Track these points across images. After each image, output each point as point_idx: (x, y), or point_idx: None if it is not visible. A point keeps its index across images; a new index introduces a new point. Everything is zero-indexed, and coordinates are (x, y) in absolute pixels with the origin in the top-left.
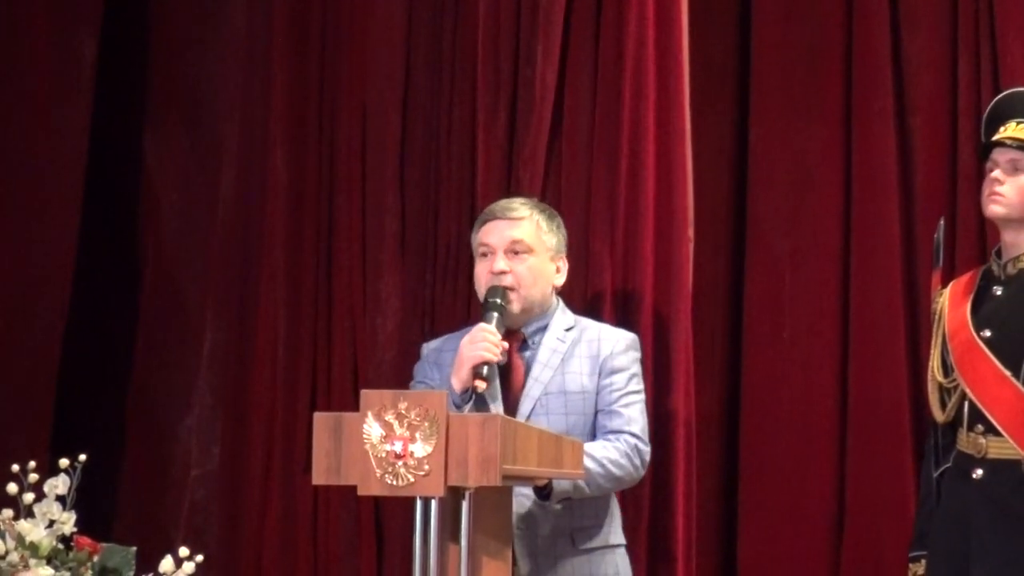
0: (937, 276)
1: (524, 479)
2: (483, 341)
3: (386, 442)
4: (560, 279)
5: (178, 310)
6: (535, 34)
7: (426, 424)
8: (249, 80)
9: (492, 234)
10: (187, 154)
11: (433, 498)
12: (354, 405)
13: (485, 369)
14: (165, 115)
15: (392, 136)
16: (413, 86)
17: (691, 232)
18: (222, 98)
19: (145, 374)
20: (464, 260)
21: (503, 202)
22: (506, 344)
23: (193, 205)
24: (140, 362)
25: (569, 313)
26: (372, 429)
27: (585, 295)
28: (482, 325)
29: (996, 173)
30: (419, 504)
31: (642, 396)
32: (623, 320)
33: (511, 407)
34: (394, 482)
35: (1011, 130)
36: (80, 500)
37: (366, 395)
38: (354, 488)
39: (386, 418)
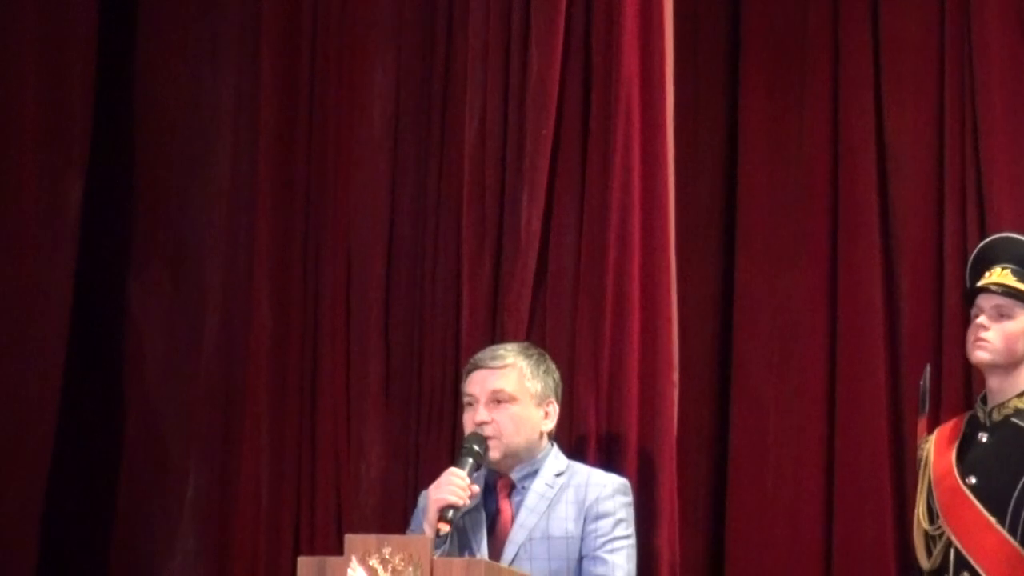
0: (923, 423)
1: None
2: (449, 484)
3: None
4: (549, 424)
5: (161, 455)
6: (520, 180)
7: (410, 569)
8: (233, 224)
9: (475, 384)
10: (171, 299)
11: None
12: (338, 550)
13: (450, 512)
14: (149, 260)
15: (376, 281)
16: (398, 231)
17: (676, 376)
18: (207, 243)
19: (128, 520)
20: (448, 406)
21: (489, 350)
22: (476, 488)
23: (177, 350)
24: (123, 508)
25: (562, 458)
26: (356, 573)
27: (570, 439)
28: (451, 469)
29: (981, 319)
30: None
31: (630, 542)
32: (607, 464)
33: (496, 553)
34: None
35: (996, 276)
36: None
37: (350, 540)
38: None
39: (370, 562)
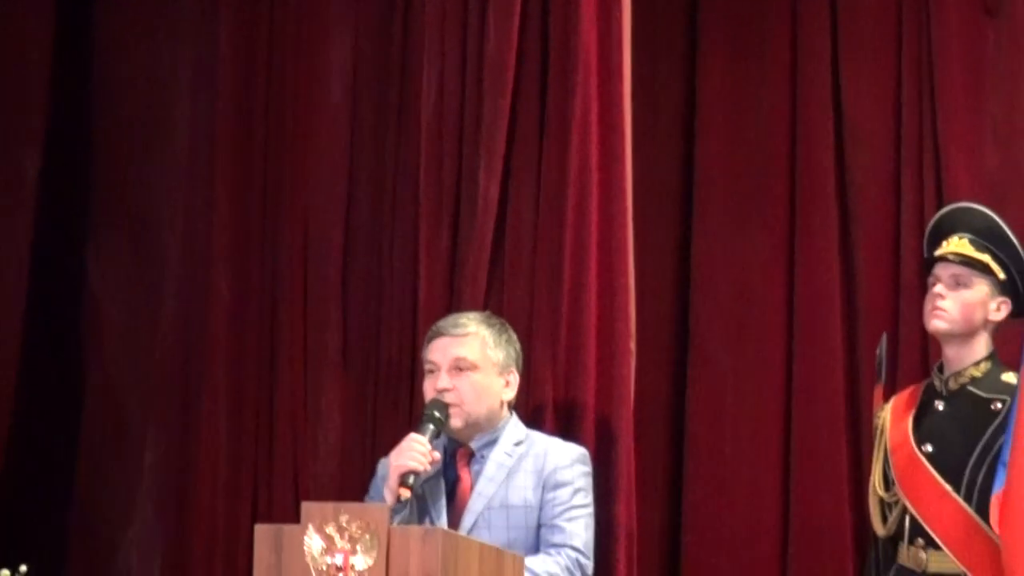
0: (879, 391)
1: None
2: (411, 450)
3: (327, 555)
4: (509, 393)
5: (120, 423)
6: (478, 150)
7: (367, 537)
8: (192, 195)
9: (437, 351)
10: (129, 268)
11: None
12: (295, 518)
13: (411, 478)
14: (108, 230)
15: (334, 251)
16: (355, 201)
17: (633, 345)
18: (165, 213)
19: (87, 487)
20: (406, 375)
21: (451, 318)
22: (437, 454)
23: (135, 319)
24: (82, 475)
25: (521, 427)
26: (313, 542)
27: (527, 407)
28: (412, 435)
29: (938, 288)
30: None
31: (588, 511)
32: (565, 433)
33: (455, 521)
34: None
35: (953, 245)
36: None
37: (307, 508)
38: None
39: (327, 531)
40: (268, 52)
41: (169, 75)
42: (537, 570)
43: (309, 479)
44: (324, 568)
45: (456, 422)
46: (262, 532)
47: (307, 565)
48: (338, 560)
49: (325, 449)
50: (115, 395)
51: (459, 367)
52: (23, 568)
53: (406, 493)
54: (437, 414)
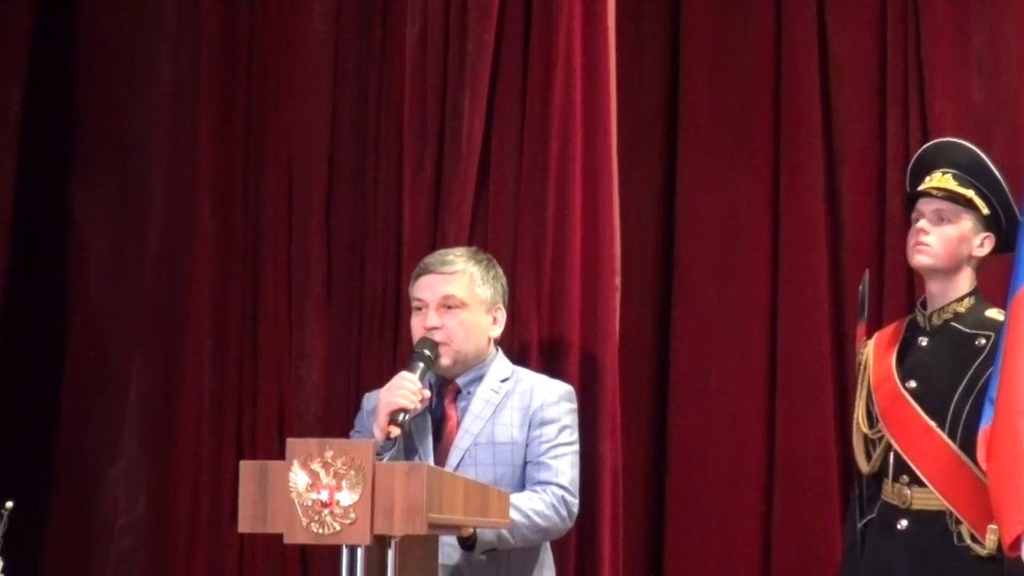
0: (862, 327)
1: (450, 528)
2: (400, 388)
3: (312, 491)
4: (497, 330)
5: (105, 359)
6: (462, 85)
7: (352, 473)
8: (176, 130)
9: (425, 289)
10: (114, 204)
11: (359, 546)
12: (280, 454)
13: (401, 416)
14: (92, 165)
15: (318, 186)
16: (339, 137)
17: (618, 281)
18: (149, 148)
19: (72, 422)
20: (390, 310)
21: (438, 254)
22: (427, 392)
23: (120, 253)
24: (67, 410)
25: (507, 363)
26: (298, 478)
27: (512, 344)
28: (403, 373)
29: (922, 223)
30: (345, 552)
31: (574, 448)
32: (550, 369)
33: (441, 458)
34: (320, 530)
35: (936, 180)
36: (7, 548)
37: (292, 444)
38: (280, 536)
39: (312, 467)
40: None
41: (153, 8)
42: (523, 507)
43: (294, 415)
44: (309, 504)
45: (445, 360)
46: (247, 468)
47: (292, 501)
48: (323, 496)
49: (309, 384)
50: (100, 331)
51: (447, 305)
52: (8, 504)
53: (396, 431)
54: (427, 352)
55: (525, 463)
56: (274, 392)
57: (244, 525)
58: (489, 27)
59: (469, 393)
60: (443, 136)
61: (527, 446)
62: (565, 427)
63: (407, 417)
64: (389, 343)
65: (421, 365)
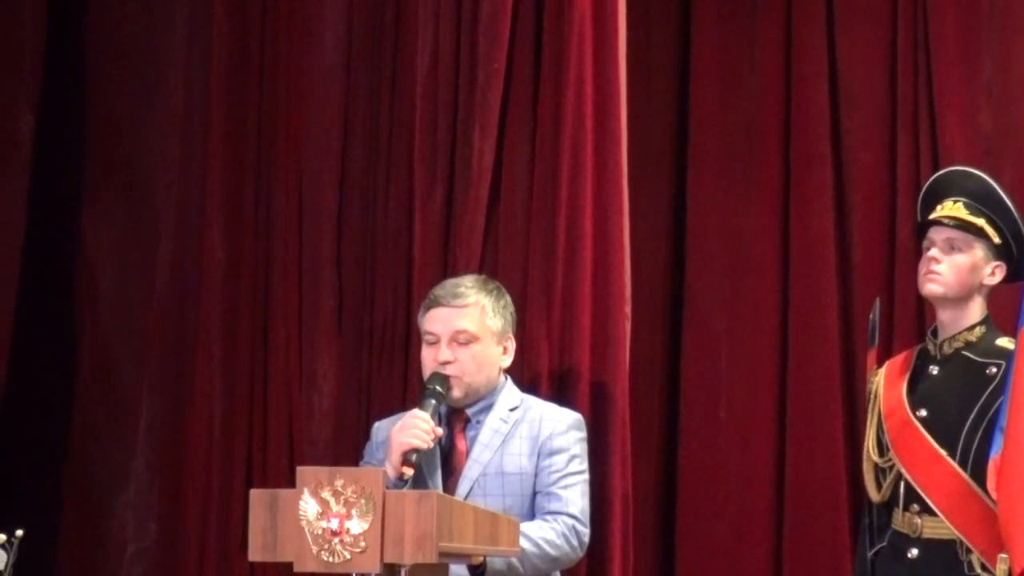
0: (872, 355)
1: (460, 556)
2: (413, 428)
3: (322, 519)
4: (507, 360)
5: (114, 385)
6: (472, 112)
7: (362, 501)
8: (186, 156)
9: (437, 322)
10: (124, 230)
11: (370, 575)
12: (290, 482)
13: (414, 456)
14: (102, 191)
15: (328, 213)
16: (350, 163)
17: (628, 310)
18: (159, 174)
19: (81, 449)
20: (400, 337)
21: (449, 286)
22: (440, 431)
23: (130, 280)
24: (76, 437)
25: (516, 391)
26: (308, 506)
27: (522, 372)
28: (415, 412)
29: (933, 252)
30: None
31: (584, 477)
32: (560, 397)
33: (450, 488)
34: (330, 559)
35: (948, 209)
36: None
37: (302, 472)
38: (290, 565)
39: (322, 495)
40: (262, 9)
41: (164, 30)
42: (534, 536)
43: (304, 443)
44: (320, 532)
45: (456, 392)
46: (257, 496)
47: (302, 529)
48: (333, 524)
49: (320, 412)
50: (110, 358)
51: (459, 340)
52: (19, 533)
53: (409, 471)
54: (439, 388)
55: (535, 493)
56: (284, 419)
57: (254, 554)
58: (500, 55)
59: (478, 423)
60: (453, 163)
61: (536, 476)
62: (575, 456)
63: (420, 455)
64: (399, 370)
65: (433, 402)
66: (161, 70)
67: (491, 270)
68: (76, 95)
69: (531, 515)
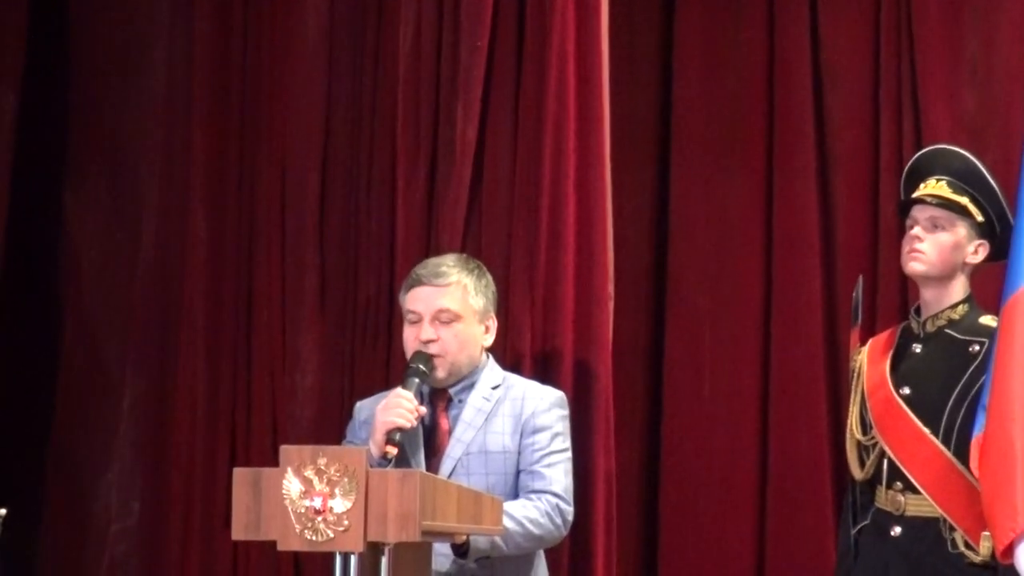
0: (856, 334)
1: (443, 535)
2: (397, 407)
3: (305, 498)
4: (489, 339)
5: (98, 365)
6: (455, 93)
7: (345, 480)
8: (169, 136)
9: (419, 301)
10: (107, 209)
11: (352, 554)
12: (273, 461)
13: (397, 435)
14: (86, 171)
15: (312, 193)
16: (333, 144)
17: (611, 289)
18: (143, 154)
19: (65, 429)
20: (383, 317)
21: (431, 264)
22: (423, 410)
23: (113, 260)
24: (60, 417)
25: (498, 370)
26: (292, 485)
27: (505, 352)
28: (399, 391)
29: (916, 230)
30: (338, 560)
31: (567, 455)
32: (543, 377)
33: (433, 467)
34: (313, 537)
35: (931, 187)
36: (1, 554)
37: (285, 451)
38: (274, 543)
39: (305, 474)
40: None
41: (146, 15)
42: (517, 515)
43: (287, 421)
44: (303, 511)
45: (440, 373)
46: (241, 475)
47: (286, 508)
48: (316, 503)
49: (303, 392)
50: (93, 337)
51: (442, 319)
52: (2, 511)
53: (393, 450)
54: (422, 367)
55: (518, 472)
56: (268, 399)
57: (238, 532)
58: (482, 35)
59: (460, 401)
60: (436, 144)
61: (520, 454)
62: (557, 434)
63: (403, 434)
64: (382, 350)
65: (416, 381)
66: (144, 49)
67: (474, 249)
68: (59, 75)
69: (514, 493)
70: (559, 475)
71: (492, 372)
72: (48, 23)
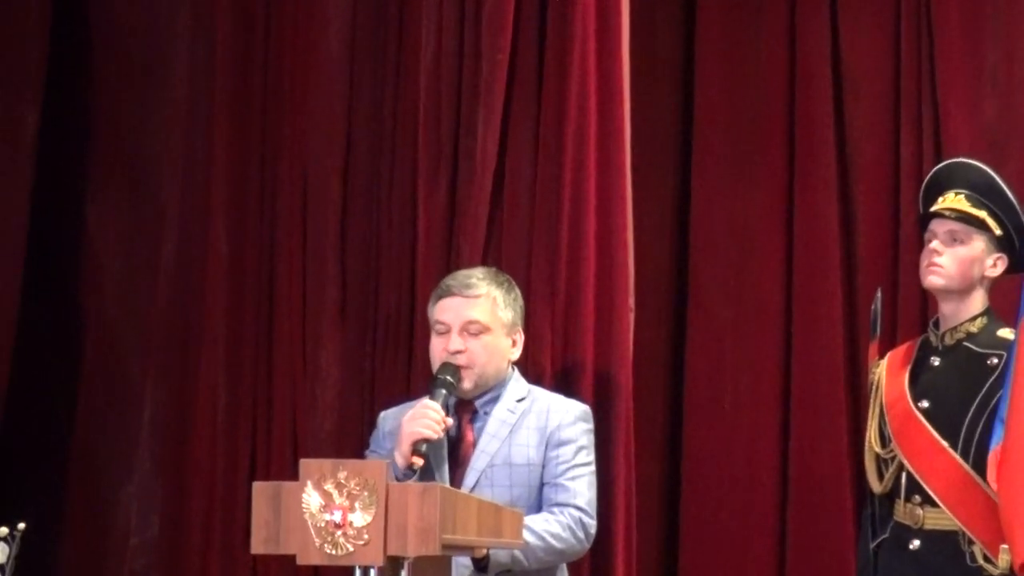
0: (874, 347)
1: (463, 548)
2: (424, 418)
3: (325, 511)
4: (516, 352)
5: (119, 377)
6: (476, 103)
7: (365, 493)
8: (191, 147)
9: (448, 311)
10: (129, 221)
11: (372, 567)
12: (293, 474)
13: (424, 446)
14: (107, 182)
15: (333, 204)
16: (354, 155)
17: (632, 301)
18: (164, 165)
19: (85, 441)
20: (404, 329)
21: (461, 276)
22: (450, 421)
23: (134, 271)
24: (81, 429)
25: (523, 383)
26: (311, 498)
27: (526, 364)
28: (426, 402)
29: (934, 244)
30: (358, 573)
31: (591, 468)
32: (564, 389)
33: (458, 479)
34: (333, 551)
35: (949, 201)
36: (20, 568)
37: (305, 464)
38: (293, 557)
39: (325, 487)
40: (266, 4)
41: (167, 25)
42: (538, 529)
43: (307, 435)
44: (323, 525)
45: (467, 384)
46: (260, 489)
47: (305, 522)
48: (336, 517)
49: (323, 404)
50: (114, 348)
51: (470, 331)
52: (20, 526)
53: (419, 461)
54: (449, 378)
55: (542, 484)
56: (288, 411)
57: (257, 546)
58: (503, 46)
59: (486, 413)
60: (457, 155)
61: (544, 467)
62: (582, 448)
63: (430, 446)
64: (403, 362)
65: (443, 392)
66: (165, 63)
67: (495, 261)
68: (80, 89)
69: (538, 506)
70: (583, 488)
71: (518, 385)
72: (69, 35)
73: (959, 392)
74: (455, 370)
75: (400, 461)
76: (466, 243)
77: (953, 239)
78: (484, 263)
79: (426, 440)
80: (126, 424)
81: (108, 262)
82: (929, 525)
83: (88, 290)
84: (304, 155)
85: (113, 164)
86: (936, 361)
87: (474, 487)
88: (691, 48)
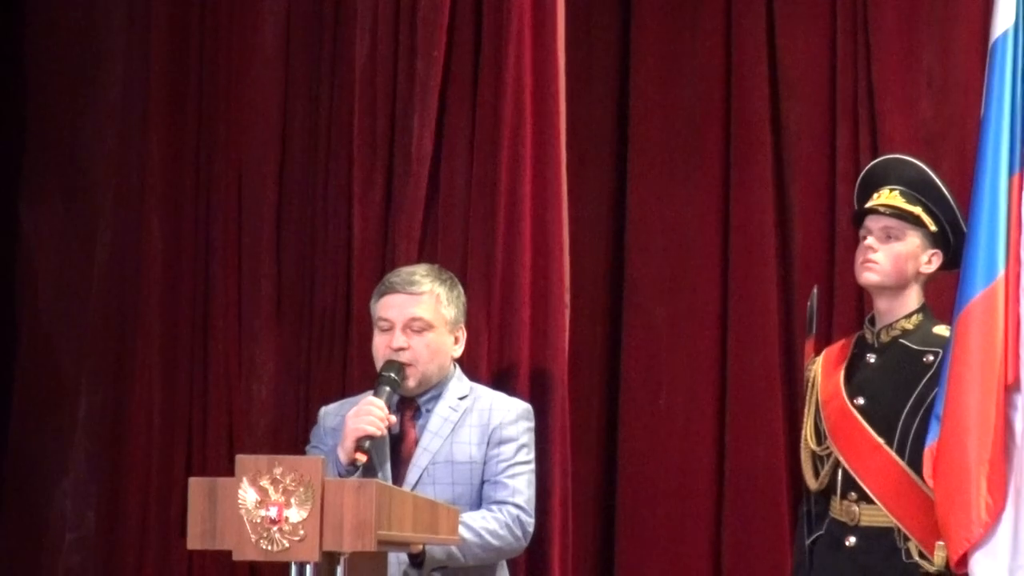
0: (810, 344)
1: (399, 544)
2: (368, 415)
3: (261, 507)
4: (458, 350)
5: (53, 374)
6: (411, 102)
7: (301, 489)
8: (125, 146)
9: (391, 308)
10: (63, 220)
11: (308, 563)
12: (229, 470)
13: (367, 443)
14: (42, 181)
15: (268, 202)
16: (289, 153)
17: (568, 298)
18: (98, 164)
19: (20, 438)
20: (340, 327)
21: (404, 273)
22: (393, 418)
23: (69, 270)
24: (15, 426)
25: (465, 380)
26: (247, 494)
27: (462, 362)
28: (370, 399)
29: (869, 240)
30: (294, 569)
31: (530, 467)
32: (500, 385)
33: (400, 476)
34: (269, 547)
35: (884, 197)
36: None
37: (241, 460)
38: (230, 553)
39: (261, 483)
40: (201, 3)
41: (103, 22)
42: (475, 526)
43: (243, 431)
44: (258, 521)
45: (411, 382)
46: (196, 485)
47: (241, 518)
48: (272, 513)
49: (259, 401)
50: (49, 345)
51: (413, 327)
52: None
53: (362, 457)
54: (394, 375)
55: (482, 482)
56: (224, 408)
57: (193, 542)
58: (439, 44)
59: (428, 411)
60: (393, 153)
61: (485, 464)
62: (523, 446)
63: (373, 442)
64: (339, 359)
65: (387, 389)
66: (100, 61)
67: (430, 259)
68: (15, 87)
69: (479, 503)
70: (522, 486)
71: (460, 383)
72: (3, 34)
73: (895, 389)
74: (400, 368)
75: (343, 457)
76: (402, 241)
77: (888, 235)
78: (420, 261)
79: (370, 437)
80: (61, 421)
81: (43, 261)
82: (865, 522)
83: (23, 289)
84: (239, 154)
85: (48, 164)
86: (872, 358)
87: (416, 484)
88: (627, 47)
